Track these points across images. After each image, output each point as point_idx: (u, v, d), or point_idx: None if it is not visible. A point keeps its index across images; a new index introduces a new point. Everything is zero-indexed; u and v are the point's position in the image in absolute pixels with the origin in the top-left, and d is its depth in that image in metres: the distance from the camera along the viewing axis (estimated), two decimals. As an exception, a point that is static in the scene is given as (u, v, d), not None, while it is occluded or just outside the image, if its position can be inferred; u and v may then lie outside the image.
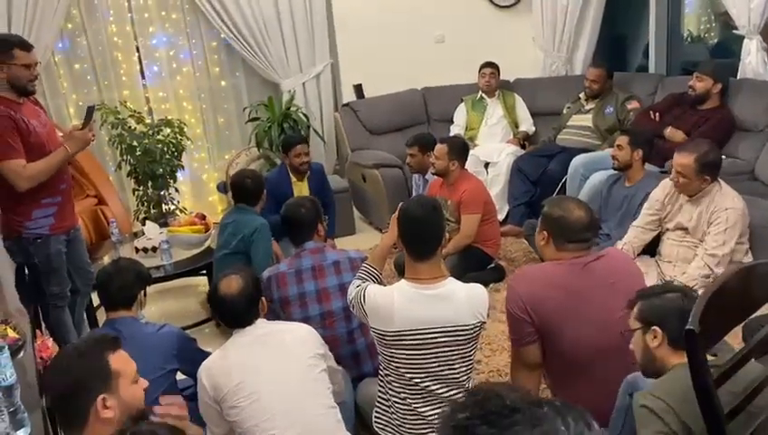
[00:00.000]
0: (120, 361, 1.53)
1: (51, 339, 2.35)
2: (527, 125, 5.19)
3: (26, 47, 2.76)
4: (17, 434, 1.39)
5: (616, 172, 3.62)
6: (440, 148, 3.75)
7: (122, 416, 1.48)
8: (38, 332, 2.31)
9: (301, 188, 4.11)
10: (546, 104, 5.23)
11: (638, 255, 3.23)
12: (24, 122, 2.73)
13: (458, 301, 2.06)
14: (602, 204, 3.63)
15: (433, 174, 3.88)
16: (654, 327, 1.70)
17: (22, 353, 1.85)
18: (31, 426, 1.45)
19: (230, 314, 2.14)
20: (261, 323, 2.16)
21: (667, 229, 3.16)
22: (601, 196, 3.68)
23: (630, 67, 5.74)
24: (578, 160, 4.27)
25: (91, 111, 2.92)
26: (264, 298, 2.23)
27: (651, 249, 3.26)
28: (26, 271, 2.94)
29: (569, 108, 4.84)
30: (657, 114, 4.17)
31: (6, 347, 1.53)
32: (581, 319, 2.05)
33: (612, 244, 3.29)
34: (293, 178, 4.07)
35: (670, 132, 3.95)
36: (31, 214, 2.82)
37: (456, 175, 3.76)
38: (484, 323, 2.10)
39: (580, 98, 4.77)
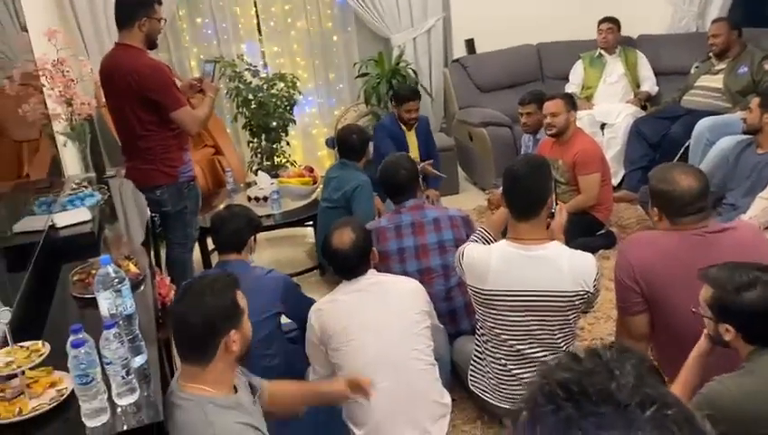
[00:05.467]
0: (241, 298, 1.63)
1: (168, 278, 2.51)
2: (649, 85, 4.86)
3: (160, 2, 2.91)
4: (135, 359, 1.51)
5: (747, 137, 3.33)
6: (555, 103, 3.55)
7: (242, 349, 1.58)
8: (157, 270, 2.47)
9: (410, 137, 4.23)
10: (672, 63, 4.86)
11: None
12: None
13: (560, 265, 2.00)
14: (729, 172, 3.36)
15: (550, 135, 3.67)
16: (726, 326, 1.59)
17: (142, 287, 1.99)
18: (147, 355, 1.56)
19: (342, 266, 2.20)
20: (371, 274, 2.21)
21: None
22: (728, 163, 3.40)
23: (773, 22, 5.20)
24: (704, 124, 3.96)
25: (214, 66, 3.08)
26: (374, 249, 2.27)
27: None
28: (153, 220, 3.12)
29: (697, 67, 4.48)
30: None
31: (128, 280, 1.65)
32: (694, 293, 1.93)
33: (738, 215, 3.05)
34: (403, 127, 4.19)
35: (814, 95, 3.57)
36: (183, 158, 2.99)
37: (571, 132, 3.59)
38: (590, 292, 2.02)
39: (710, 57, 4.39)
